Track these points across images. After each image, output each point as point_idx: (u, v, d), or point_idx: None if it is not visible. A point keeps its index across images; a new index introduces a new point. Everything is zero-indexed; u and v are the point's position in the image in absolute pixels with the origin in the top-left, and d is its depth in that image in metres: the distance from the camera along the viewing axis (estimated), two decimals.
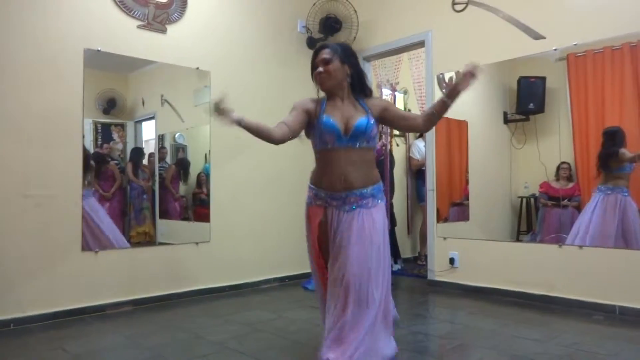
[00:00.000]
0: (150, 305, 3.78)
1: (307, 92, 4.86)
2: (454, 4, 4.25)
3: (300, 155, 4.86)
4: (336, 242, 2.13)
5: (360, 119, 2.11)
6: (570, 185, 4.10)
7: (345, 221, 2.12)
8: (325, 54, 2.15)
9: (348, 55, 2.19)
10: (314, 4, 4.85)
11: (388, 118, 2.20)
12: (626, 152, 3.59)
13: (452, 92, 2.02)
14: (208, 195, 4.29)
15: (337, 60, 2.14)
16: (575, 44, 3.64)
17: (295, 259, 4.74)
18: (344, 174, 2.12)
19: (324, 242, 2.23)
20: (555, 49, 3.67)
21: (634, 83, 3.66)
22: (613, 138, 3.67)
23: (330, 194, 2.16)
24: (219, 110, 1.94)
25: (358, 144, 2.12)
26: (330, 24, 4.80)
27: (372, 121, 2.13)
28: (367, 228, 2.10)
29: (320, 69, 2.15)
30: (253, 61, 4.56)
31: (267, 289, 4.43)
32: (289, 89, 4.81)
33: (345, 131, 2.11)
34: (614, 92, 3.78)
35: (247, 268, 4.41)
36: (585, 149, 3.98)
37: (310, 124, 2.18)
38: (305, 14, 4.89)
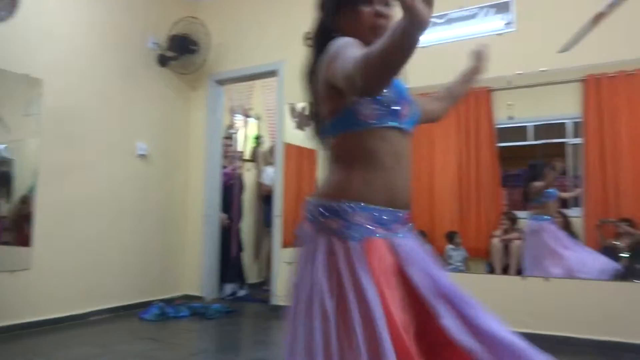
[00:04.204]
0: None
1: (154, 110, 4.69)
2: (305, 38, 4.43)
3: (141, 177, 4.60)
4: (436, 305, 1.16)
5: None
6: None
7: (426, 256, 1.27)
8: None
9: None
10: (175, 24, 4.70)
11: None
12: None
13: (474, 71, 1.66)
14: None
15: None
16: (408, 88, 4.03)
17: (132, 287, 4.42)
18: (408, 176, 1.30)
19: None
20: None
21: (457, 125, 4.18)
22: None
23: (395, 213, 1.26)
24: None
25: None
26: (185, 44, 4.68)
27: None
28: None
29: (382, 9, 1.28)
30: (95, 73, 4.21)
31: (98, 320, 4.03)
32: (134, 104, 4.56)
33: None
34: (441, 133, 4.25)
35: (74, 298, 3.96)
36: (416, 181, 4.35)
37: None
38: (157, 29, 4.70)
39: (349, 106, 1.22)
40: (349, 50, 1.12)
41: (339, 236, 1.18)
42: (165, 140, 4.87)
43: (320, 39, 1.33)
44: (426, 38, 3.95)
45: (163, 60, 4.75)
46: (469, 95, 4.10)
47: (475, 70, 1.68)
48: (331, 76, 1.18)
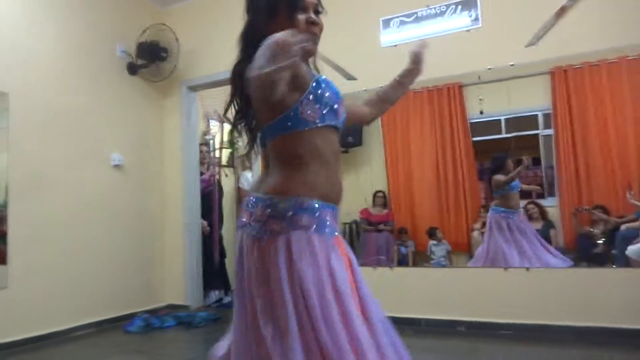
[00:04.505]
0: None
1: (127, 119, 4.62)
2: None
3: (117, 188, 4.54)
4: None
5: None
6: (385, 211, 4.50)
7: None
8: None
9: None
10: (144, 31, 4.65)
11: None
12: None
13: (413, 72, 1.70)
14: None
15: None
16: (381, 86, 4.06)
17: (114, 300, 4.35)
18: (340, 172, 1.36)
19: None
20: (365, 90, 4.03)
21: (431, 121, 4.25)
22: None
23: (338, 209, 1.34)
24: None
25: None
26: (154, 51, 4.63)
27: None
28: None
29: (315, 17, 1.34)
30: (63, 84, 4.12)
31: (82, 336, 3.95)
32: (106, 116, 4.49)
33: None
34: (416, 129, 4.32)
35: (56, 315, 3.87)
36: (395, 178, 4.44)
37: (297, 78, 1.25)
38: (125, 38, 4.64)
39: (292, 106, 1.24)
40: (262, 57, 1.13)
41: (312, 230, 1.20)
42: (140, 149, 4.80)
43: (251, 40, 1.33)
44: (396, 37, 3.99)
45: (133, 69, 4.69)
46: (442, 92, 4.18)
47: (413, 72, 1.70)
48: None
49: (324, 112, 1.27)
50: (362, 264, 4.34)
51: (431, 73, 3.82)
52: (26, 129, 3.82)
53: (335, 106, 1.31)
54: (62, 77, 4.13)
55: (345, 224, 4.79)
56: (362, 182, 4.63)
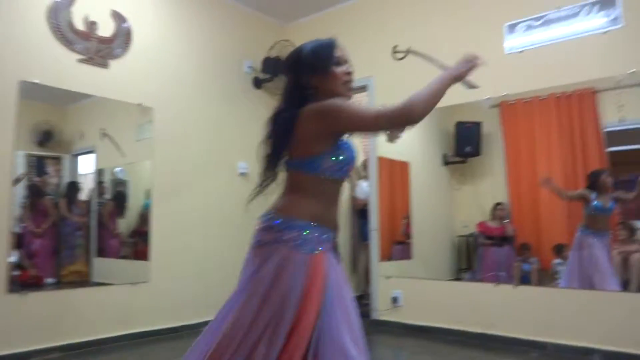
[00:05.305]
0: (81, 350, 3.55)
1: (252, 131, 4.91)
2: (394, 52, 4.44)
3: (242, 195, 4.81)
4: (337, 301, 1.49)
5: None
6: (505, 225, 4.28)
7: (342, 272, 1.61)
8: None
9: None
10: (271, 47, 4.93)
11: None
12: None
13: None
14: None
15: None
16: (505, 94, 3.88)
17: None
18: (338, 209, 1.65)
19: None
20: (488, 98, 3.88)
21: (559, 129, 3.96)
22: None
23: (334, 233, 1.62)
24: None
25: None
26: (278, 66, 4.87)
27: None
28: None
29: (350, 69, 1.64)
30: (198, 99, 4.54)
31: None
32: (234, 127, 4.82)
33: None
34: (543, 138, 4.05)
35: (187, 310, 4.24)
36: (517, 190, 4.19)
37: (330, 140, 1.55)
38: (252, 54, 4.96)
39: (319, 154, 1.52)
40: (358, 106, 1.54)
41: (291, 247, 1.47)
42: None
43: (295, 94, 1.62)
44: (522, 41, 3.79)
45: (258, 83, 5.00)
46: (571, 98, 3.87)
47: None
48: (334, 124, 1.50)
49: (335, 169, 1.55)
50: (480, 280, 4.21)
51: (560, 79, 3.62)
52: (167, 139, 4.26)
53: (349, 166, 1.59)
54: (197, 93, 4.54)
55: (461, 236, 4.64)
56: (480, 194, 4.45)
